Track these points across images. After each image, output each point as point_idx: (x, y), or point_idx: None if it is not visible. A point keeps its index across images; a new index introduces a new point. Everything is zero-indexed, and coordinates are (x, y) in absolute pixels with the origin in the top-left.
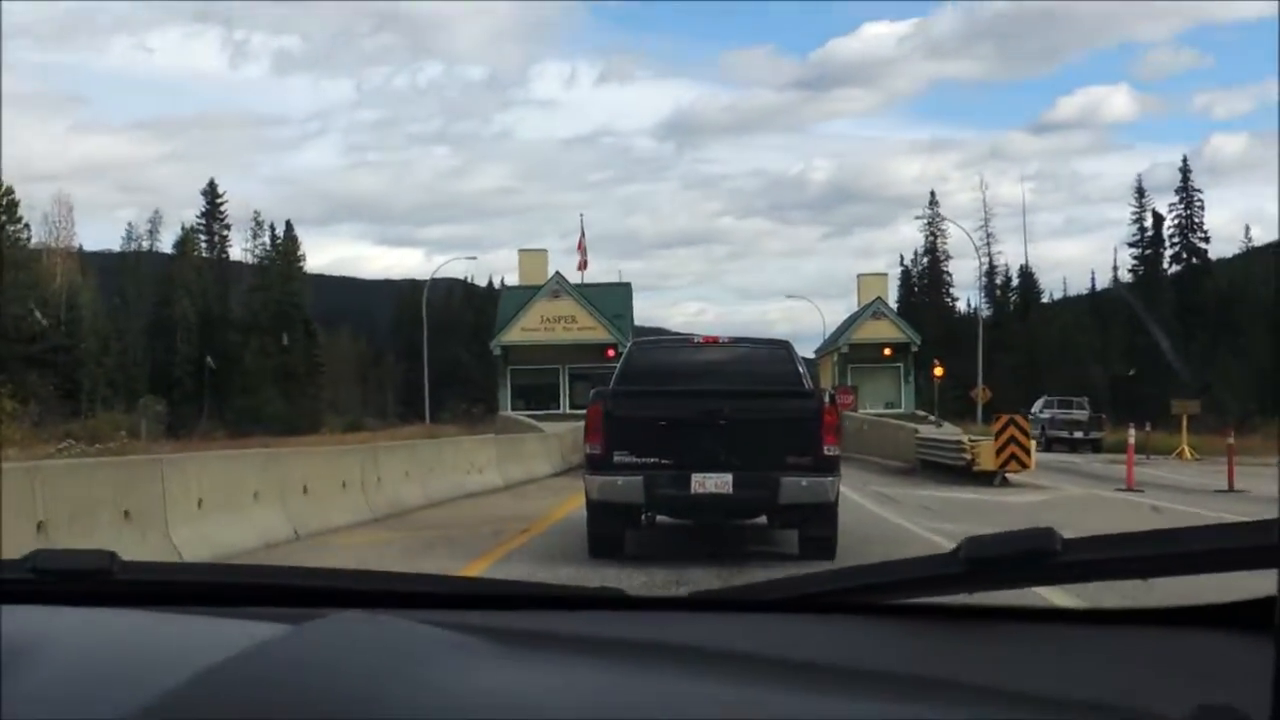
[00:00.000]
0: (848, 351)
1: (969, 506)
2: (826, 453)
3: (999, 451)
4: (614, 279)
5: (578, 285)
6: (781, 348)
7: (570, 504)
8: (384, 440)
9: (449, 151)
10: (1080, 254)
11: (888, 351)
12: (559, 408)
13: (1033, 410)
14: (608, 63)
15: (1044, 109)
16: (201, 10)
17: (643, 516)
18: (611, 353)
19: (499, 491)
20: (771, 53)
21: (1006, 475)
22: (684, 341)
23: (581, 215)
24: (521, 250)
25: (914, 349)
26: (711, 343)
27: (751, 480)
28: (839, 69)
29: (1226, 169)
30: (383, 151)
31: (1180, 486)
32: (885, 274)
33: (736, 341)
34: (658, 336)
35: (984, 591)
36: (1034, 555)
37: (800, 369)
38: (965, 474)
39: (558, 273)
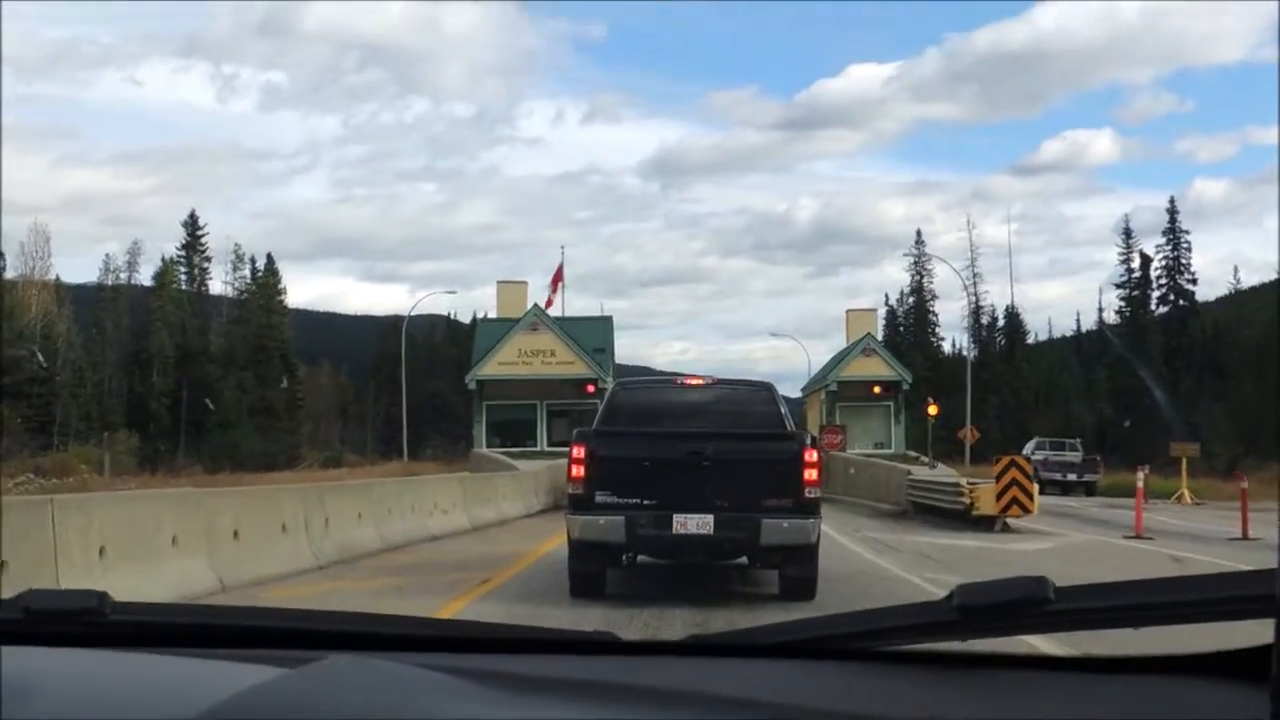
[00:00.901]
0: (836, 389)
1: (973, 555)
2: (808, 495)
3: (1000, 495)
4: (596, 313)
5: (557, 318)
6: (764, 389)
7: (542, 548)
8: (359, 477)
9: (435, 188)
10: (1063, 295)
11: (877, 390)
12: (536, 445)
13: (1024, 451)
14: (594, 101)
15: (1027, 151)
16: (189, 45)
17: (624, 556)
18: (591, 388)
19: (465, 534)
20: (757, 93)
21: (1007, 521)
22: (667, 382)
23: (563, 249)
24: (500, 282)
25: (905, 387)
26: (694, 384)
27: (733, 521)
28: (824, 109)
29: (1209, 214)
30: (369, 187)
31: (1191, 534)
32: (874, 310)
33: (719, 383)
34: (641, 377)
35: (977, 639)
36: (1027, 603)
37: (782, 410)
38: (961, 519)
39: (536, 305)
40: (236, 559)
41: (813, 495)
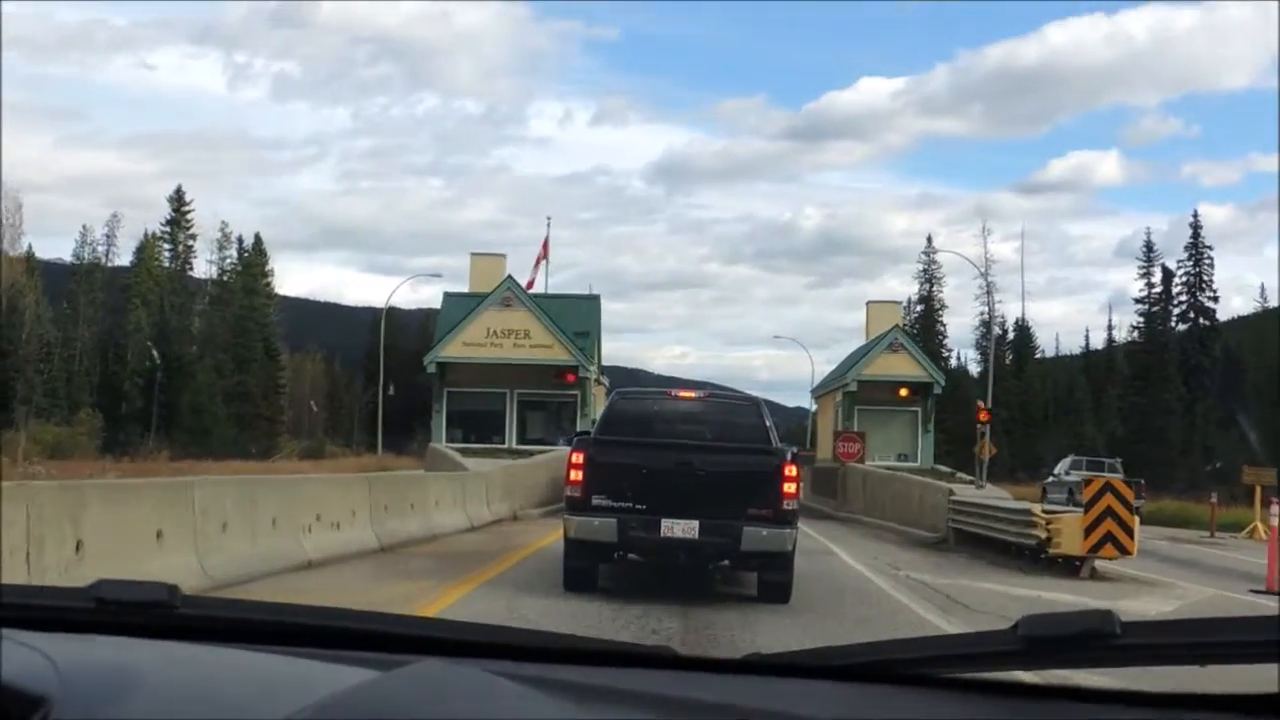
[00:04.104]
0: (856, 390)
1: None
2: (786, 507)
3: (1090, 529)
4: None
5: (536, 295)
6: (751, 404)
7: (459, 590)
8: (333, 470)
9: (442, 183)
10: (1063, 315)
11: (904, 392)
12: (504, 441)
13: (1056, 471)
14: (602, 103)
15: (1033, 170)
16: (203, 32)
17: (614, 555)
18: (571, 377)
19: (364, 558)
20: (766, 102)
21: (1095, 564)
22: (663, 393)
23: (549, 220)
24: (474, 254)
25: (936, 390)
26: (687, 396)
27: (716, 528)
28: (833, 121)
29: (1209, 240)
30: (376, 180)
31: None
32: (899, 302)
33: (711, 396)
34: (639, 388)
35: (1040, 670)
36: (1094, 636)
37: (767, 424)
38: (1027, 556)
39: (510, 277)
40: None
41: (790, 507)
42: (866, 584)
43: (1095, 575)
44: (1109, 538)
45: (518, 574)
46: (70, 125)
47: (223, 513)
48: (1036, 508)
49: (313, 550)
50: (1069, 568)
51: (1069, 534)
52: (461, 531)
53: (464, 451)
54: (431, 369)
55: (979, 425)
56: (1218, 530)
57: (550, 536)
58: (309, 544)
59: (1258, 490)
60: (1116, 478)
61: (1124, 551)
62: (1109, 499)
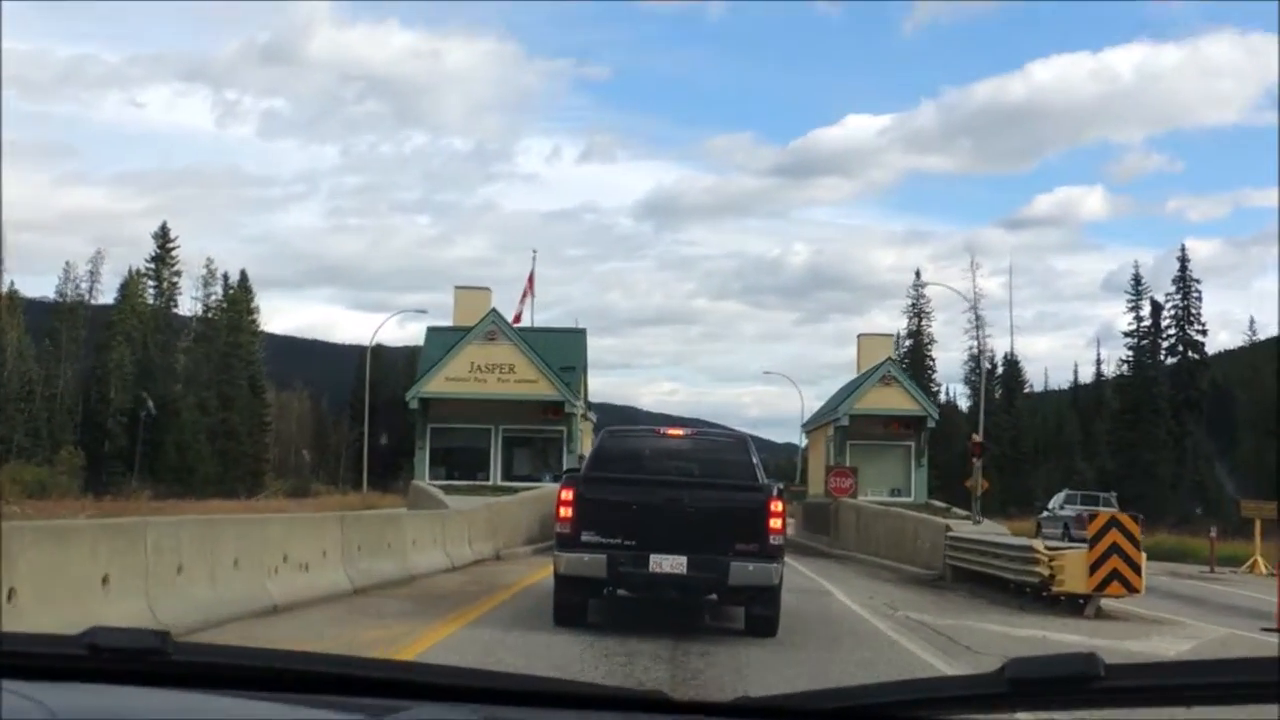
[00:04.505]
0: (847, 424)
1: None
2: (772, 542)
3: (1095, 566)
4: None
5: (522, 329)
6: (738, 441)
7: (435, 635)
8: (309, 509)
9: (429, 220)
10: (1050, 350)
11: (896, 427)
12: (489, 478)
13: (1050, 505)
14: (591, 140)
15: (1020, 205)
16: (192, 69)
17: (604, 591)
18: (557, 413)
19: (334, 601)
20: (754, 139)
21: (1100, 603)
22: (651, 431)
23: (534, 253)
24: (459, 288)
25: (930, 423)
26: (675, 434)
27: (704, 563)
28: (820, 157)
29: (1197, 274)
30: (364, 217)
31: None
32: (891, 335)
33: (698, 434)
34: (628, 426)
35: (1025, 712)
36: (1078, 679)
37: (754, 461)
38: (1028, 593)
39: (494, 310)
40: None
41: (777, 542)
42: (863, 624)
43: (1100, 614)
44: (1115, 575)
45: (498, 616)
46: (62, 163)
47: (178, 554)
48: (1039, 544)
49: (279, 594)
50: (1072, 606)
51: (1073, 571)
52: (441, 572)
53: (447, 489)
54: (414, 405)
55: (974, 459)
56: (1217, 565)
57: (533, 576)
58: (274, 587)
59: (1257, 524)
60: (1119, 511)
61: (1131, 589)
62: (1115, 534)
